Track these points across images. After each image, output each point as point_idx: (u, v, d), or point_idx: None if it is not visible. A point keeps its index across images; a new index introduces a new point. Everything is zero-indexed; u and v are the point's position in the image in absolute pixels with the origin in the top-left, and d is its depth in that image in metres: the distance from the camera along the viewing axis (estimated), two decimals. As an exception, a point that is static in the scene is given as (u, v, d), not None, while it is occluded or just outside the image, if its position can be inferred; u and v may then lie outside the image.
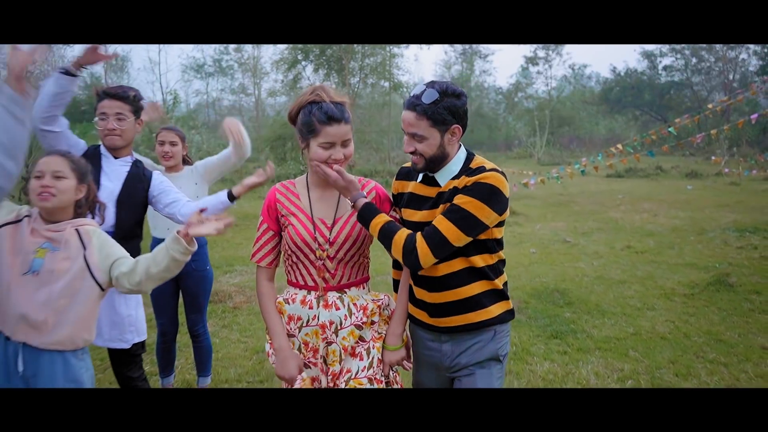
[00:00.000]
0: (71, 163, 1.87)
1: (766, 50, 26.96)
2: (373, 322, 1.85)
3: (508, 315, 1.82)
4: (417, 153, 1.72)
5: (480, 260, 1.74)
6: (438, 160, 1.73)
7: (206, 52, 30.69)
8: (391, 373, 1.88)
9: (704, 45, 28.56)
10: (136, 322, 2.38)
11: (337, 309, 1.79)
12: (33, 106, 1.84)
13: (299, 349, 1.83)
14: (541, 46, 29.98)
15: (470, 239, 1.67)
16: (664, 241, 7.34)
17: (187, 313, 3.15)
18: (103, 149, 2.38)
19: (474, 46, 32.53)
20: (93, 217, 1.97)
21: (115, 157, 2.38)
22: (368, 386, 1.79)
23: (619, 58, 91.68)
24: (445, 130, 1.69)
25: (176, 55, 58.68)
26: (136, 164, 2.43)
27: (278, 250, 1.88)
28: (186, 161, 3.13)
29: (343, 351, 1.79)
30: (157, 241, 3.02)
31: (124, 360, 2.40)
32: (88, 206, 1.93)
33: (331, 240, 1.79)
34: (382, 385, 1.83)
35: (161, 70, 47.61)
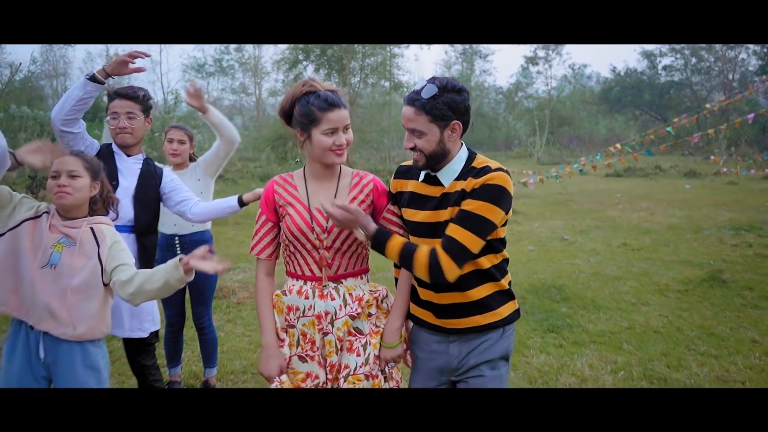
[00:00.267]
0: (85, 162, 1.98)
1: (765, 50, 27.03)
2: (369, 315, 1.84)
3: (515, 314, 1.83)
4: (417, 149, 1.70)
5: (486, 261, 1.73)
6: (439, 157, 1.71)
7: (207, 51, 30.83)
8: (387, 368, 1.86)
9: (704, 45, 28.64)
10: (152, 312, 2.50)
11: (333, 299, 1.80)
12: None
13: (297, 341, 1.83)
14: (541, 46, 30.10)
15: (485, 242, 1.66)
16: (660, 238, 7.45)
17: (193, 307, 3.25)
18: (115, 148, 2.49)
19: (474, 46, 32.63)
20: (107, 213, 2.07)
21: (128, 155, 2.49)
22: (365, 383, 1.79)
23: (619, 58, 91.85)
24: (445, 126, 1.67)
25: (177, 55, 58.81)
26: (147, 161, 2.54)
27: (277, 242, 1.88)
28: (192, 159, 3.24)
29: (338, 341, 1.80)
30: (164, 237, 3.12)
31: (140, 349, 2.52)
32: (102, 202, 2.04)
33: (327, 229, 1.79)
34: (379, 380, 1.82)
35: (162, 69, 47.65)
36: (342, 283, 1.83)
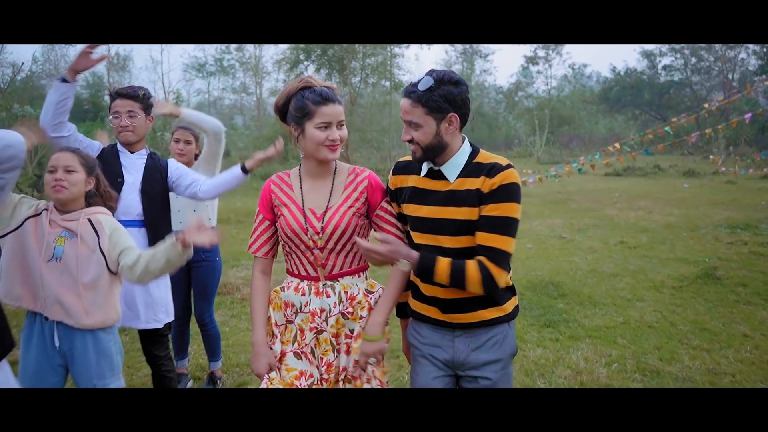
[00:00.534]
0: (80, 158, 2.09)
1: (765, 50, 27.10)
2: (361, 317, 1.82)
3: (517, 310, 1.84)
4: (414, 142, 1.69)
5: None
6: (436, 150, 1.69)
7: (208, 51, 30.86)
8: (369, 368, 1.80)
9: (704, 45, 28.71)
10: (166, 304, 2.61)
11: (328, 296, 1.80)
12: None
13: (295, 337, 1.83)
14: (541, 45, 30.15)
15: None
16: (657, 237, 7.54)
17: (195, 302, 3.33)
18: (119, 146, 2.59)
19: (474, 45, 32.70)
20: (106, 206, 2.17)
21: (131, 152, 2.59)
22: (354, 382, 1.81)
23: (619, 58, 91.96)
24: (441, 118, 1.65)
25: (178, 55, 58.74)
26: (152, 156, 2.64)
27: (274, 240, 1.89)
28: (197, 159, 3.34)
29: (333, 338, 1.80)
30: (175, 234, 3.22)
31: (153, 340, 2.63)
32: (100, 197, 2.14)
33: (321, 230, 1.78)
34: (361, 382, 1.81)
35: (163, 69, 47.72)
36: (339, 281, 1.83)
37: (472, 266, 1.63)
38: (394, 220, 1.86)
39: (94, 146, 2.56)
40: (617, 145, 9.06)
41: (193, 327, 3.67)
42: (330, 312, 1.80)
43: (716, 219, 8.70)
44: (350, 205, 1.81)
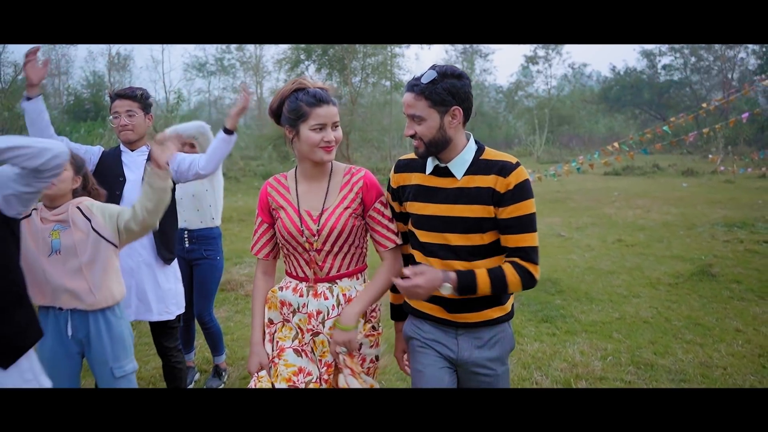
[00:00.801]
0: (68, 157, 2.19)
1: (764, 49, 27.18)
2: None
3: (514, 308, 1.86)
4: (417, 137, 1.68)
5: (500, 258, 1.74)
6: (439, 145, 1.68)
7: (208, 51, 30.96)
8: (341, 357, 1.78)
9: (703, 44, 28.79)
10: (176, 295, 2.71)
11: (326, 299, 1.79)
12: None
13: (295, 335, 1.84)
14: (541, 45, 30.23)
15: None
16: (655, 235, 7.64)
17: (195, 300, 3.36)
18: (122, 146, 2.68)
19: (474, 45, 32.77)
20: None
21: (132, 150, 2.68)
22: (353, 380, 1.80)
23: (619, 57, 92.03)
24: (445, 111, 1.64)
25: (179, 54, 58.86)
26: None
27: (275, 242, 1.91)
28: None
29: (330, 339, 1.80)
30: (177, 232, 3.31)
31: (163, 331, 2.73)
32: (87, 194, 2.23)
33: (318, 232, 1.78)
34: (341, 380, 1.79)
35: (164, 68, 47.84)
36: (337, 283, 1.83)
37: (509, 270, 1.65)
38: (386, 222, 1.85)
39: (93, 151, 2.66)
40: (616, 144, 9.16)
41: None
42: (328, 314, 1.80)
43: (713, 217, 8.79)
44: (346, 206, 1.80)
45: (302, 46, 18.49)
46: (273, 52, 36.72)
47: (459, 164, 1.71)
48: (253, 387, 1.83)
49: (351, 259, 1.84)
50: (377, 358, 1.91)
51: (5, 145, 1.56)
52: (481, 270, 1.66)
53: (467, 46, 33.45)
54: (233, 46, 29.68)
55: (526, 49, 32.63)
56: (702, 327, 4.16)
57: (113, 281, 2.20)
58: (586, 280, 5.47)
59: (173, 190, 2.77)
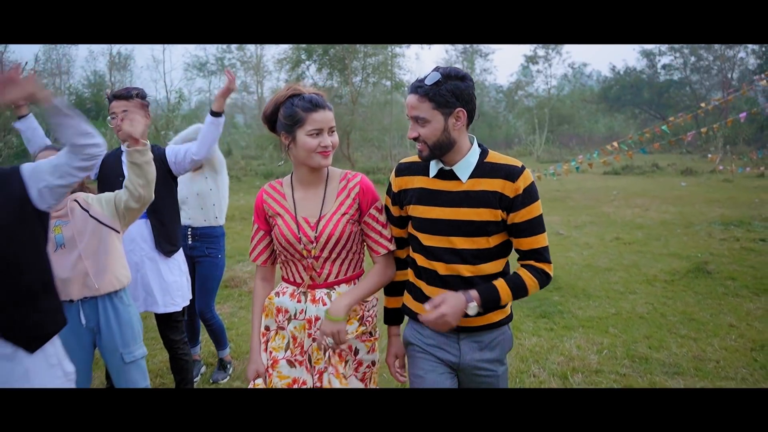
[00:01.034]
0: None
1: (763, 49, 27.25)
2: (350, 323, 1.80)
3: (512, 310, 1.88)
4: (420, 139, 1.67)
5: (503, 262, 1.76)
6: (443, 147, 1.66)
7: (209, 50, 31.03)
8: (324, 343, 1.73)
9: (703, 44, 28.85)
10: (182, 287, 2.80)
11: (324, 304, 1.78)
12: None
13: (288, 344, 1.81)
14: (541, 45, 30.30)
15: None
16: (652, 233, 7.73)
17: (197, 297, 3.42)
18: (122, 147, 2.76)
19: (474, 45, 32.84)
20: None
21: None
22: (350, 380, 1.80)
23: (619, 57, 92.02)
24: (449, 113, 1.63)
25: (180, 54, 58.96)
26: (152, 149, 2.80)
27: (272, 248, 1.90)
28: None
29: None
30: (183, 229, 3.39)
31: (169, 325, 2.83)
32: (80, 190, 2.33)
33: (315, 239, 1.77)
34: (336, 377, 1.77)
35: (165, 68, 47.90)
36: (335, 289, 1.82)
37: (526, 276, 1.69)
38: (380, 228, 1.84)
39: None
40: (615, 144, 9.24)
41: (205, 316, 3.86)
42: None
43: (711, 216, 8.88)
44: (344, 212, 1.80)
45: (303, 45, 18.56)
46: (274, 52, 36.81)
47: (464, 167, 1.69)
48: None
49: (349, 265, 1.84)
50: (374, 363, 1.90)
51: (69, 110, 1.65)
52: (499, 281, 1.68)
53: (467, 45, 33.50)
54: (234, 46, 29.73)
55: (526, 48, 32.67)
56: (696, 322, 4.24)
57: (117, 265, 2.30)
58: (583, 277, 5.56)
59: (176, 187, 2.86)
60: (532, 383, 3.31)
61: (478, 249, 1.69)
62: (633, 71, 33.04)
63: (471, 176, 1.69)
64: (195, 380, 3.35)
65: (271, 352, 1.82)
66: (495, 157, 1.72)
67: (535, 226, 1.68)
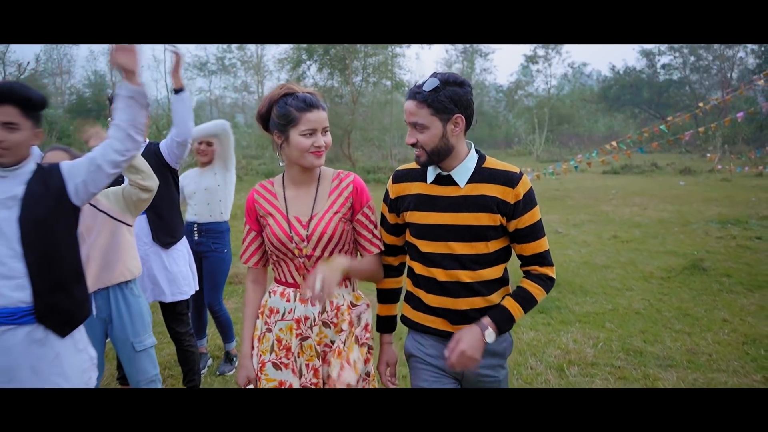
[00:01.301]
0: (68, 154, 2.38)
1: (763, 49, 27.33)
2: (342, 330, 1.77)
3: None
4: (419, 145, 1.66)
5: (503, 267, 1.75)
6: (442, 153, 1.66)
7: (209, 50, 31.10)
8: (318, 281, 1.59)
9: (702, 44, 28.93)
10: (187, 276, 2.94)
11: (313, 305, 1.77)
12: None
13: (272, 347, 1.78)
14: (540, 45, 30.40)
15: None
16: (650, 231, 7.82)
17: (205, 291, 3.56)
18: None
19: (474, 45, 32.94)
20: None
21: None
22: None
23: (618, 57, 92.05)
24: (447, 119, 1.63)
25: (181, 54, 58.86)
26: (149, 145, 2.91)
27: (263, 249, 1.88)
28: None
29: (318, 346, 1.77)
30: (188, 225, 3.50)
31: (175, 317, 2.94)
32: None
33: (307, 237, 1.76)
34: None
35: (166, 68, 47.95)
36: None
37: (531, 286, 1.70)
38: (371, 227, 1.84)
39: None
40: (614, 143, 9.34)
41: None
42: (314, 321, 1.77)
43: (708, 215, 8.97)
44: (336, 211, 1.79)
45: (304, 45, 18.67)
46: (274, 52, 36.95)
47: (462, 172, 1.69)
48: None
49: None
50: (368, 374, 1.88)
51: (145, 101, 1.76)
52: (506, 300, 1.70)
53: (467, 45, 33.61)
54: (234, 46, 29.81)
55: (526, 48, 32.79)
56: (691, 317, 4.34)
57: (128, 257, 2.41)
58: (581, 274, 5.65)
59: (174, 180, 2.94)
60: (530, 375, 3.40)
61: (477, 254, 1.69)
62: (633, 71, 33.15)
63: (469, 181, 1.69)
64: (202, 372, 3.45)
65: (259, 356, 1.80)
66: (493, 162, 1.72)
67: (537, 230, 1.70)
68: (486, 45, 33.26)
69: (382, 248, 1.87)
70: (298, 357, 1.76)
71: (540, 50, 31.59)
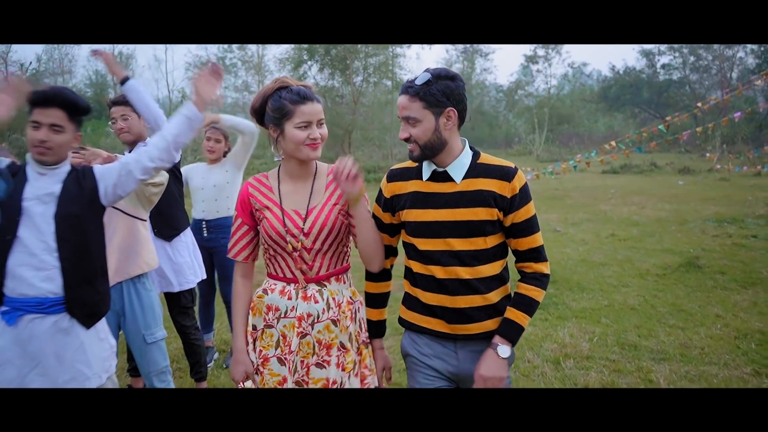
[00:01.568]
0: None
1: (762, 49, 27.41)
2: (347, 327, 1.80)
3: None
4: (412, 140, 1.66)
5: (501, 265, 1.75)
6: (435, 148, 1.66)
7: (210, 50, 31.20)
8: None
9: (702, 44, 29.01)
10: (192, 266, 3.05)
11: (316, 302, 1.77)
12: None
13: (277, 342, 1.78)
14: (540, 45, 30.47)
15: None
16: (647, 230, 7.92)
17: (219, 284, 3.72)
18: (125, 152, 2.96)
19: (474, 45, 33.03)
20: None
21: (130, 150, 2.94)
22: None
23: (618, 57, 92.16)
24: (440, 113, 1.63)
25: (182, 53, 59.12)
26: (147, 144, 3.00)
27: (254, 244, 1.86)
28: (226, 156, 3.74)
29: (317, 344, 1.77)
30: (194, 221, 3.60)
31: (180, 311, 3.06)
32: None
33: (306, 231, 1.75)
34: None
35: (167, 68, 48.15)
36: (326, 286, 1.81)
37: (529, 290, 1.71)
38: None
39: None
40: (613, 143, 9.43)
41: (217, 306, 4.06)
42: (318, 318, 1.77)
43: (705, 214, 9.07)
44: (334, 203, 1.79)
45: (305, 46, 18.77)
46: (275, 52, 37.00)
47: (458, 168, 1.70)
48: None
49: (338, 258, 1.84)
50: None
51: (199, 124, 1.89)
52: (508, 311, 1.70)
53: (467, 45, 33.70)
54: (235, 46, 29.90)
55: (526, 48, 32.84)
56: (685, 313, 4.44)
57: (146, 250, 2.52)
58: (578, 272, 5.75)
59: (179, 177, 3.04)
60: (527, 368, 3.50)
61: (475, 250, 1.68)
62: (632, 71, 33.21)
63: (465, 177, 1.69)
64: (209, 365, 3.55)
65: (261, 351, 1.79)
66: (487, 158, 1.73)
67: (533, 225, 1.71)
68: (486, 45, 33.37)
69: None
70: (296, 354, 1.77)
71: (540, 50, 31.65)
